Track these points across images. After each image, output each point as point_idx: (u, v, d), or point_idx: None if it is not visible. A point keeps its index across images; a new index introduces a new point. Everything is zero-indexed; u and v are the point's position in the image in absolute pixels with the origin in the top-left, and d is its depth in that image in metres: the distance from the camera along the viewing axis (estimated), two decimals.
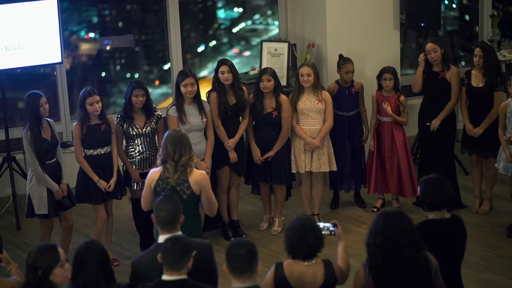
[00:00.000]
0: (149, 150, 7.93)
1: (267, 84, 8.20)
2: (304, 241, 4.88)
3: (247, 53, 11.09)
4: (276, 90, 8.25)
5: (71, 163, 8.06)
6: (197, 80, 7.99)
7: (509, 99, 8.10)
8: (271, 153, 8.30)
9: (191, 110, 7.93)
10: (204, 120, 7.94)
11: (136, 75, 10.72)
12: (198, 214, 6.22)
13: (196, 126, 7.89)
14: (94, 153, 7.74)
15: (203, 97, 8.19)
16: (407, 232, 4.85)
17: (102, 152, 7.76)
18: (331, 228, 5.16)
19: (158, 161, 6.17)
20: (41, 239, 7.71)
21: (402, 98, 8.67)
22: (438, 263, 5.03)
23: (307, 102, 8.31)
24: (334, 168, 8.51)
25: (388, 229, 4.83)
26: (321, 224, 5.11)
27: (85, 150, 7.75)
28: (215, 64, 8.41)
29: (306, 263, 4.94)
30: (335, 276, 5.01)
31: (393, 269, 4.86)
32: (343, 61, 8.72)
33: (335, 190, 9.03)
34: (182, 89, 7.86)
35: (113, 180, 7.75)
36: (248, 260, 4.54)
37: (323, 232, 5.04)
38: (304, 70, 8.29)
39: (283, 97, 8.29)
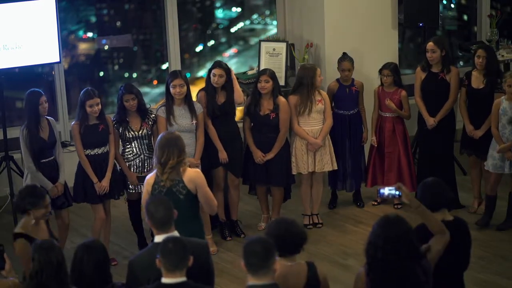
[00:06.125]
0: (146, 152, 7.91)
1: (265, 85, 8.17)
2: (296, 236, 4.92)
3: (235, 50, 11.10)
4: (274, 92, 8.23)
5: (69, 163, 8.05)
6: (187, 82, 7.93)
7: (502, 97, 8.11)
8: (270, 155, 8.28)
9: (180, 112, 7.89)
10: (194, 122, 7.91)
11: (134, 75, 10.72)
12: (198, 214, 6.20)
13: (185, 127, 7.82)
14: (92, 152, 7.73)
15: (194, 97, 8.17)
16: (407, 243, 4.81)
17: (100, 152, 7.75)
18: (396, 193, 5.17)
19: (154, 164, 6.21)
20: None
21: (403, 93, 8.70)
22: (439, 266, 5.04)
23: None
24: (335, 167, 8.53)
25: (389, 241, 4.78)
26: (386, 192, 5.13)
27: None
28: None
29: (289, 263, 4.94)
30: (317, 278, 4.99)
31: (393, 281, 4.84)
32: (341, 59, 8.76)
33: (334, 189, 9.03)
34: (171, 90, 7.84)
35: (105, 180, 7.73)
36: (264, 257, 4.50)
37: (389, 197, 5.18)
38: (319, 71, 8.32)
39: (281, 99, 8.26)
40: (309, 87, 8.26)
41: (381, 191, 5.23)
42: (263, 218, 8.66)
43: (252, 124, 8.34)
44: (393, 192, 5.18)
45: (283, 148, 8.33)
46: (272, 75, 8.21)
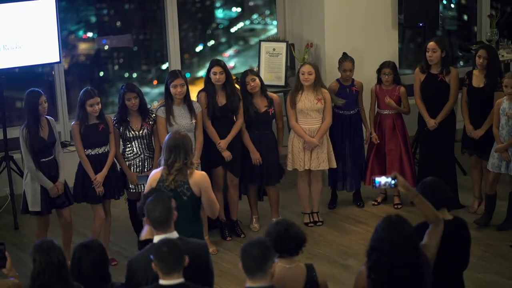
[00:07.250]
0: (146, 152, 7.91)
1: (253, 84, 8.19)
2: (296, 237, 4.91)
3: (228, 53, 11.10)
4: (263, 89, 8.25)
5: (69, 163, 8.05)
6: (187, 81, 7.94)
7: (504, 97, 8.11)
8: (282, 150, 8.38)
9: (180, 111, 7.88)
10: (193, 121, 7.91)
11: (134, 75, 10.72)
12: (199, 216, 6.18)
13: (184, 127, 7.78)
14: (92, 152, 7.73)
15: (194, 97, 8.17)
16: (412, 247, 4.82)
17: (100, 152, 7.75)
18: (392, 182, 5.11)
19: (161, 162, 6.18)
20: (37, 236, 7.72)
21: (402, 89, 8.71)
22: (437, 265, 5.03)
23: (306, 101, 8.31)
24: (334, 166, 8.53)
25: (394, 247, 4.77)
26: (382, 181, 5.10)
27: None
28: None
29: (288, 265, 4.93)
30: (316, 281, 4.98)
31: (395, 283, 4.83)
32: (343, 59, 8.75)
33: (334, 188, 9.03)
34: (172, 90, 7.84)
35: (100, 175, 7.71)
36: (259, 261, 4.50)
37: (383, 187, 5.13)
38: (306, 68, 8.31)
39: (272, 94, 8.35)
40: (297, 84, 8.37)
41: (377, 180, 5.17)
42: (255, 219, 8.64)
43: (247, 123, 8.32)
44: (389, 181, 5.14)
45: (275, 146, 8.34)
46: (256, 73, 8.30)
